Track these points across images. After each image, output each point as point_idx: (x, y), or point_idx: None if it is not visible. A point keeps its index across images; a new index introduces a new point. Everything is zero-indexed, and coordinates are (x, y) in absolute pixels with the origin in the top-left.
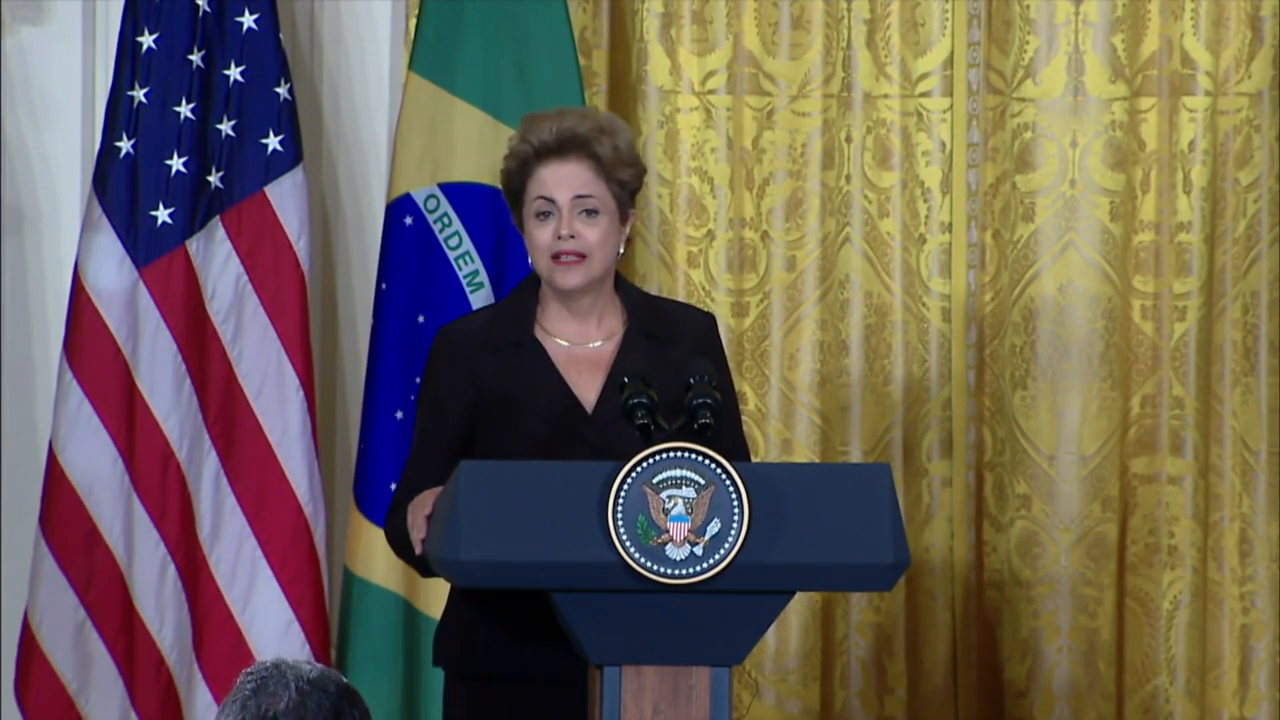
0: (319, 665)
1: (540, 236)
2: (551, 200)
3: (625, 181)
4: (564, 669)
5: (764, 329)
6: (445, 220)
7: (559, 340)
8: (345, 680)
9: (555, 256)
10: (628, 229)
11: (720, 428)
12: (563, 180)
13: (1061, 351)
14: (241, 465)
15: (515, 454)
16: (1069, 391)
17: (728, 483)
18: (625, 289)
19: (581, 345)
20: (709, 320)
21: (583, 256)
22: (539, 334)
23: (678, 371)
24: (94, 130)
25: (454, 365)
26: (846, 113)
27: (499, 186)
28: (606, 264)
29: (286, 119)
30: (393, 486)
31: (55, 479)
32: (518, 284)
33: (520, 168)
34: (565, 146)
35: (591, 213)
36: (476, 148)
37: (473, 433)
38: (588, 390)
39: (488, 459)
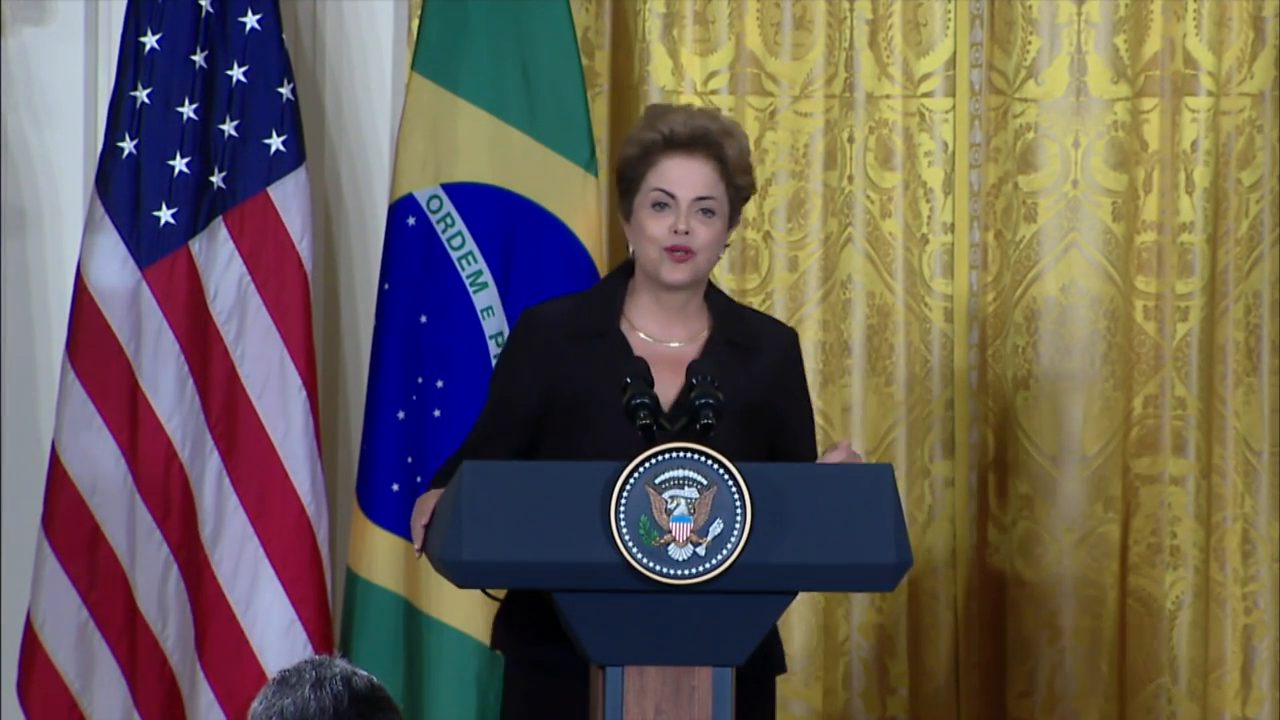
0: (367, 680)
1: (653, 228)
2: (672, 195)
3: (741, 187)
4: None
5: None
6: (448, 221)
7: (642, 335)
8: (381, 697)
9: (666, 250)
10: (731, 234)
11: (798, 445)
12: (687, 178)
13: (1064, 352)
14: (244, 465)
15: (585, 446)
16: (1071, 392)
17: (730, 483)
18: (713, 294)
19: (664, 343)
20: (792, 336)
21: (692, 253)
22: (624, 326)
23: (753, 383)
24: (96, 130)
25: (533, 349)
26: (849, 113)
27: (503, 187)
28: (710, 264)
29: (289, 119)
30: (395, 487)
31: (57, 479)
32: (609, 273)
33: (643, 155)
34: (695, 142)
35: (708, 213)
36: (479, 148)
37: (543, 417)
38: (666, 389)
39: (557, 448)
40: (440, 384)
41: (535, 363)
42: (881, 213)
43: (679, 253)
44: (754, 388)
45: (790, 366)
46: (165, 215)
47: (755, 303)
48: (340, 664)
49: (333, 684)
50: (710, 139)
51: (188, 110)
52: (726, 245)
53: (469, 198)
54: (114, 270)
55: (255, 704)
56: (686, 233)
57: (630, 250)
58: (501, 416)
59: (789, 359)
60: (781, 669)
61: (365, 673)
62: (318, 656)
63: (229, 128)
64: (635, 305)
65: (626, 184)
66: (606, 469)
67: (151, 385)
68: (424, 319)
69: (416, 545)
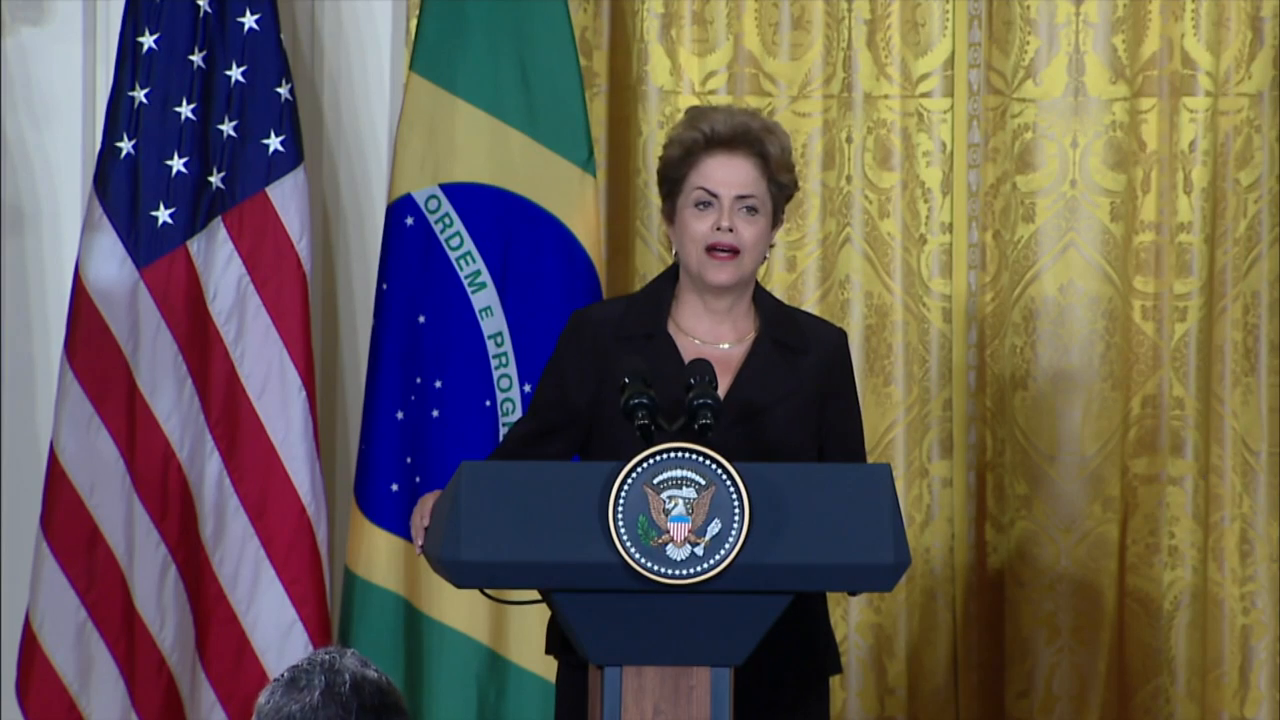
0: (374, 680)
1: (696, 227)
2: (714, 194)
3: (784, 185)
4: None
5: None
6: (446, 220)
7: (691, 337)
8: (390, 703)
9: (709, 249)
10: (775, 234)
11: (846, 446)
12: (728, 176)
13: (1062, 352)
14: (244, 465)
15: (631, 448)
16: (1070, 392)
17: (728, 483)
18: (761, 295)
19: (712, 345)
20: (840, 336)
21: (736, 252)
22: (671, 329)
23: (800, 384)
24: (95, 130)
25: (582, 351)
26: (847, 113)
27: (501, 187)
28: (755, 265)
29: (287, 119)
30: (394, 487)
31: (56, 479)
32: (656, 276)
33: (684, 156)
34: (736, 140)
35: (751, 210)
36: (477, 148)
37: (593, 418)
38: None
39: (604, 448)
40: (439, 384)
41: (585, 363)
42: (880, 213)
43: (722, 251)
44: (801, 389)
45: (838, 367)
46: (163, 215)
47: None
48: (351, 664)
49: (341, 692)
50: (751, 136)
51: (186, 110)
52: (771, 245)
53: (467, 198)
54: (112, 270)
55: (261, 698)
56: (730, 230)
57: (675, 253)
58: (554, 414)
59: (837, 360)
60: (836, 669)
61: (376, 672)
62: (328, 654)
63: (227, 128)
64: (682, 308)
65: (669, 186)
66: (605, 469)
67: (149, 385)
68: (422, 319)
69: (417, 545)
